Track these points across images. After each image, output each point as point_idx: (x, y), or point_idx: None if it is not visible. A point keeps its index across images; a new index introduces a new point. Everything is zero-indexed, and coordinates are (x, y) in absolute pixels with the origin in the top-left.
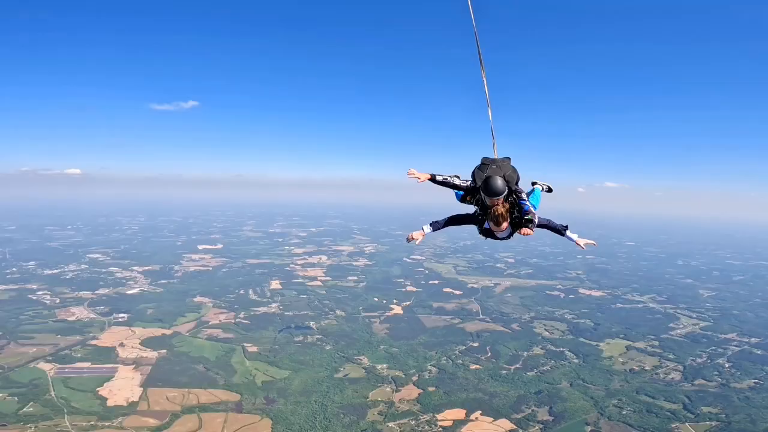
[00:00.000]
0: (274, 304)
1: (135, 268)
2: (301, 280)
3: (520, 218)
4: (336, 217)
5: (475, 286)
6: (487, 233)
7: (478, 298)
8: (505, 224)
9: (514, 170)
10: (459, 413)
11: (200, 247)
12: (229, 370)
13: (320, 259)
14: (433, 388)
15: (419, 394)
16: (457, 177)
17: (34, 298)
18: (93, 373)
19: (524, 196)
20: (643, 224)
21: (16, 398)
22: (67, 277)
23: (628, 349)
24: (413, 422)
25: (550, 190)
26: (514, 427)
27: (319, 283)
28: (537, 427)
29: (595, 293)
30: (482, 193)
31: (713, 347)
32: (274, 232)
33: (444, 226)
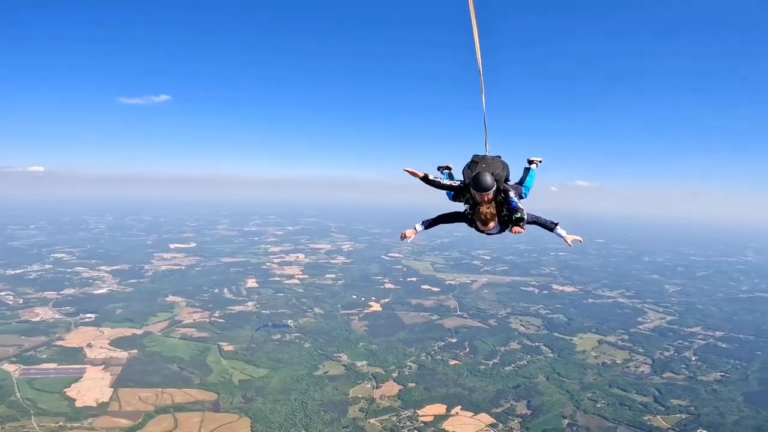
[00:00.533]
0: (250, 303)
1: (102, 267)
2: (278, 279)
3: (509, 216)
4: (313, 215)
5: (452, 282)
6: (478, 230)
7: (455, 294)
8: (492, 223)
9: (504, 168)
10: (440, 408)
11: (172, 246)
12: (205, 370)
13: (297, 257)
14: (414, 384)
15: (400, 390)
16: (449, 170)
17: None
18: (60, 374)
19: (513, 194)
20: (612, 222)
21: None
22: (31, 277)
23: (600, 343)
24: (395, 418)
25: (540, 162)
26: (494, 421)
27: (297, 282)
28: (516, 421)
29: (568, 289)
30: (472, 189)
31: (680, 341)
32: (249, 231)
33: (435, 224)
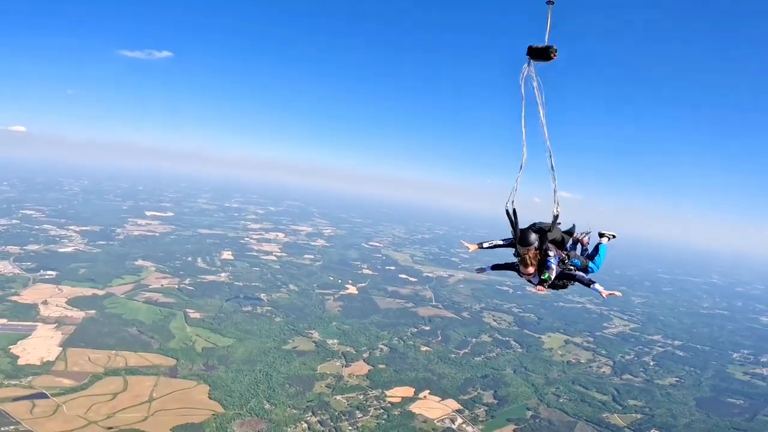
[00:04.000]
0: (223, 274)
1: (72, 227)
2: (255, 254)
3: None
4: (296, 199)
5: (429, 275)
6: (520, 273)
7: (431, 286)
8: (530, 269)
9: (552, 230)
10: (408, 391)
11: (148, 213)
12: (167, 335)
13: (277, 236)
14: (384, 366)
15: (369, 371)
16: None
17: None
18: (7, 330)
19: (552, 255)
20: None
21: None
22: None
23: (567, 343)
24: (361, 396)
25: (614, 236)
26: (461, 407)
27: (274, 258)
28: (482, 409)
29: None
30: (517, 245)
31: (640, 346)
32: (230, 207)
33: (492, 269)
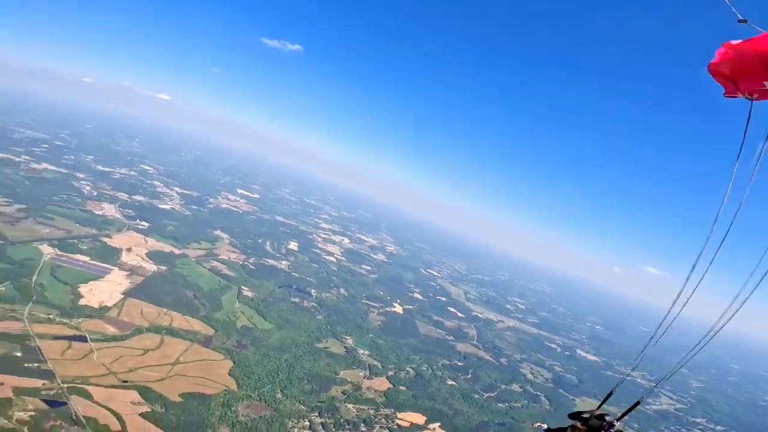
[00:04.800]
0: (285, 262)
1: (175, 188)
2: (317, 251)
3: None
4: (370, 211)
5: (479, 315)
6: None
7: (477, 326)
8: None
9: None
10: (419, 418)
11: (239, 190)
12: (216, 305)
13: (342, 240)
14: (404, 388)
15: (388, 389)
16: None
17: (76, 185)
18: (86, 268)
19: None
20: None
21: None
22: (115, 177)
23: None
24: (372, 411)
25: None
26: None
27: (334, 260)
28: None
29: (591, 357)
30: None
31: (679, 426)
32: (309, 203)
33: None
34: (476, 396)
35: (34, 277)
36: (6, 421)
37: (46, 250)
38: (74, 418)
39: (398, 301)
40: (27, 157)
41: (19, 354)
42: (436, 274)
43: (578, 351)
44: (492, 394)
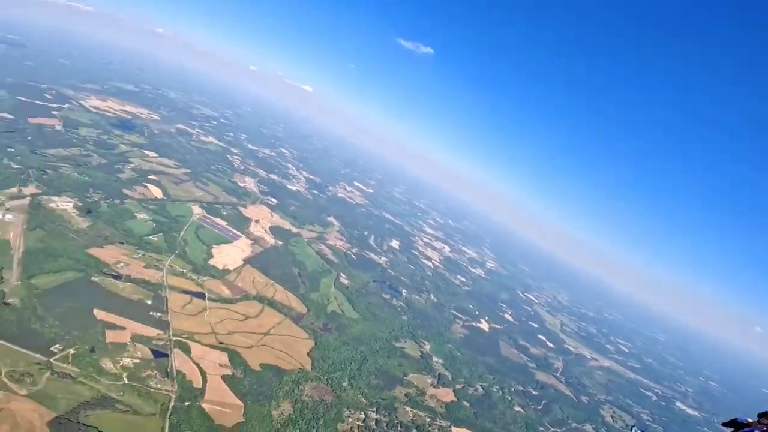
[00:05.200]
0: (384, 258)
1: (304, 172)
2: (417, 254)
3: None
4: (475, 223)
5: (571, 348)
6: None
7: (567, 359)
8: None
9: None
10: None
11: (356, 183)
12: (314, 286)
13: (443, 247)
14: (468, 404)
15: (452, 401)
16: None
17: (230, 158)
18: (222, 232)
19: None
20: None
21: (153, 224)
22: (259, 155)
23: None
24: (428, 419)
25: None
26: None
27: (431, 265)
28: None
29: (691, 411)
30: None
31: None
32: (417, 205)
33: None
34: (541, 428)
35: (182, 233)
36: (112, 365)
37: (197, 210)
38: (168, 371)
39: (486, 318)
40: (199, 131)
41: (149, 302)
42: (533, 299)
43: (677, 403)
44: (559, 430)
